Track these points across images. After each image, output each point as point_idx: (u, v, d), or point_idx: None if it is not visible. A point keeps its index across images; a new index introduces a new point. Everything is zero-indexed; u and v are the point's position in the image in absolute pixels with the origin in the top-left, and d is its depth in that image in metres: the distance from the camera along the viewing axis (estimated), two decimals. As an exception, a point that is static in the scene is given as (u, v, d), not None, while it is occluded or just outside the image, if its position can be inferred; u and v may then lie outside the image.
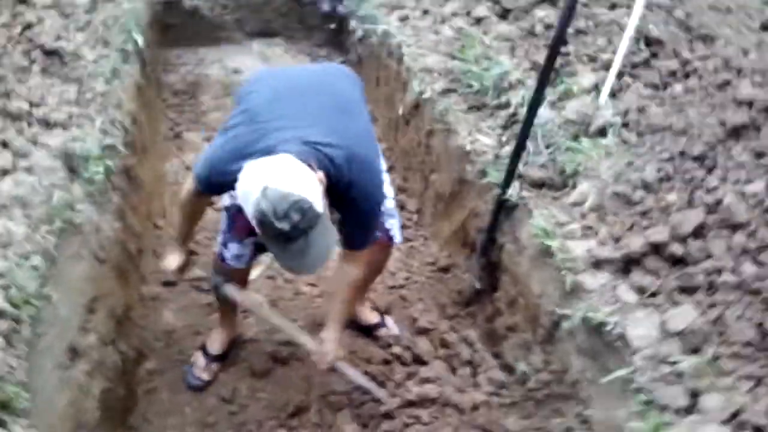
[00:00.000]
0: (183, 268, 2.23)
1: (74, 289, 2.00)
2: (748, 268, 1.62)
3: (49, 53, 2.80)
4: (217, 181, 1.78)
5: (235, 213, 2.10)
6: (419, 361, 2.39)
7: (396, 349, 2.47)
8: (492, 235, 2.43)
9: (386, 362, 2.44)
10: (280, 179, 1.46)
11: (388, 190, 2.17)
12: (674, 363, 1.58)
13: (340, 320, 2.13)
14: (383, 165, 2.10)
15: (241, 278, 2.41)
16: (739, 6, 2.80)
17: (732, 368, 1.52)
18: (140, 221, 2.99)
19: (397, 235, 2.28)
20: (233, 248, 2.20)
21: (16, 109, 2.31)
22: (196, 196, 1.96)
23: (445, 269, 2.93)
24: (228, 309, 2.48)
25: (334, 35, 5.19)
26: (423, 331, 2.55)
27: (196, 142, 4.10)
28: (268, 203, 1.44)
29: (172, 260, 2.18)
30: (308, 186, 1.50)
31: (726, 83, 2.09)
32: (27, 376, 1.58)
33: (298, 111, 1.72)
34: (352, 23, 4.73)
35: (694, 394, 1.52)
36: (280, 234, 1.47)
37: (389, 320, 2.67)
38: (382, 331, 2.62)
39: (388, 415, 2.16)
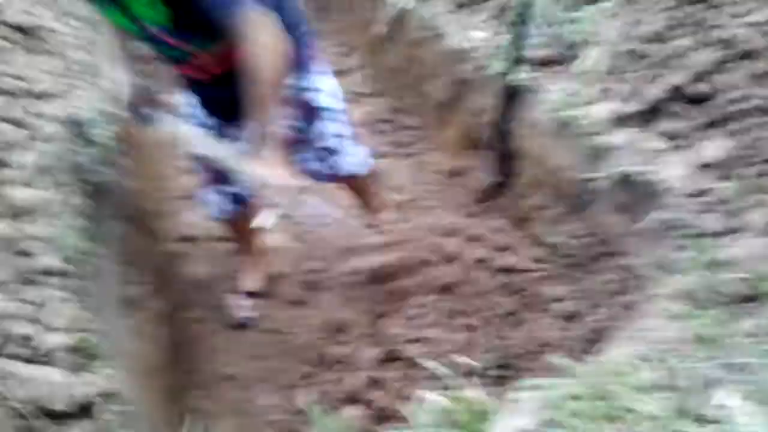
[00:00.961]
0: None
1: (113, 246, 2.01)
2: (771, 90, 1.65)
3: (24, 30, 2.72)
4: None
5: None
6: (451, 259, 2.42)
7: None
8: (504, 125, 2.44)
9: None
10: None
11: (344, 127, 2.11)
12: (712, 192, 1.63)
13: (266, 110, 1.54)
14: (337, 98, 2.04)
15: (248, 233, 2.48)
16: None
17: (770, 185, 1.57)
18: (149, 183, 2.98)
19: (360, 170, 2.27)
20: (203, 196, 2.24)
21: (12, 87, 2.26)
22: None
23: (458, 173, 2.96)
24: (248, 238, 2.52)
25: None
26: (449, 233, 2.58)
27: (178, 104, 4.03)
28: None
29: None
30: None
31: None
32: (95, 324, 1.61)
33: None
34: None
35: (736, 215, 1.57)
36: None
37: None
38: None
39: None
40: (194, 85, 1.94)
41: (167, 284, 2.47)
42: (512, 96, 2.37)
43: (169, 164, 3.38)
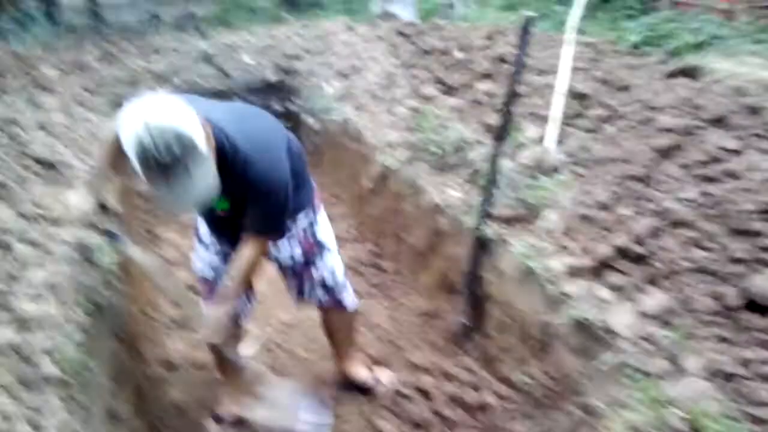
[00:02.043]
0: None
1: (105, 363, 2.13)
2: (698, 254, 1.96)
3: (46, 164, 3.02)
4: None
5: (202, 281, 2.35)
6: (427, 395, 2.56)
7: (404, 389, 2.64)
8: (474, 272, 2.71)
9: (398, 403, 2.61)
10: (161, 114, 1.47)
11: (338, 263, 2.38)
12: (655, 338, 1.87)
13: (230, 292, 2.04)
14: (329, 232, 2.34)
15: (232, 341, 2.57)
16: (642, 63, 3.38)
17: (703, 335, 1.82)
18: (141, 309, 3.13)
19: (351, 303, 2.48)
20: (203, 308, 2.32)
21: (30, 212, 2.50)
22: None
23: (433, 315, 3.17)
24: (228, 368, 2.61)
25: (293, 131, 5.58)
26: (424, 370, 2.74)
27: (171, 239, 4.28)
28: (148, 136, 1.43)
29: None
30: (190, 122, 1.51)
31: (648, 119, 2.55)
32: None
33: (208, 105, 1.80)
34: (308, 119, 5.15)
35: (675, 359, 1.80)
36: (161, 165, 1.46)
37: (383, 374, 2.78)
38: (380, 389, 2.71)
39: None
40: (212, 219, 2.21)
41: (148, 405, 2.52)
42: (482, 247, 2.66)
43: (160, 293, 3.54)
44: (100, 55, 5.17)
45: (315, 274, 2.34)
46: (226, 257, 2.20)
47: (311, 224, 2.26)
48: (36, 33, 5.21)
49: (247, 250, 1.97)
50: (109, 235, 2.24)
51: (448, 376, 2.64)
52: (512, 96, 2.35)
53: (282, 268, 2.38)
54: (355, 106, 4.20)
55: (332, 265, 2.35)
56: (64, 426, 1.62)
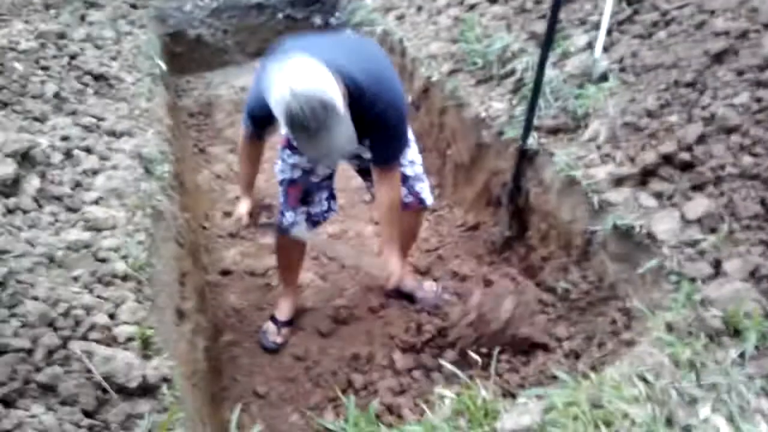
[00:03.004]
0: (251, 214, 2.43)
1: (168, 264, 2.29)
2: (746, 160, 1.94)
3: (98, 77, 3.11)
4: (260, 115, 2.06)
5: (287, 185, 2.44)
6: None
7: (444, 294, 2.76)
8: (517, 184, 2.74)
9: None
10: (305, 80, 1.67)
11: (416, 156, 2.47)
12: (696, 243, 1.89)
13: (392, 241, 2.29)
14: (410, 132, 2.37)
15: (293, 261, 2.75)
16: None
17: (745, 238, 1.83)
18: (197, 221, 3.29)
19: (428, 197, 2.56)
20: (288, 216, 2.51)
21: (87, 123, 2.61)
22: (249, 139, 2.26)
23: (474, 227, 3.24)
24: (293, 269, 2.76)
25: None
26: (465, 278, 2.84)
27: (220, 154, 4.41)
28: (296, 104, 1.65)
29: (242, 207, 2.41)
30: (331, 86, 1.71)
31: (703, 23, 2.44)
32: (156, 324, 1.86)
33: (325, 48, 1.93)
34: (348, 32, 5.07)
35: (717, 264, 1.83)
36: (308, 129, 1.69)
37: (426, 284, 2.92)
38: (419, 294, 2.87)
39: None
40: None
41: (208, 308, 2.72)
42: (525, 159, 2.67)
43: (215, 207, 3.71)
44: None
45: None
46: (308, 218, 2.45)
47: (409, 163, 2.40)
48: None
49: (385, 185, 2.18)
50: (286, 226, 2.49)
51: (489, 283, 2.73)
52: (559, 1, 2.28)
53: (361, 167, 2.50)
54: (396, 16, 4.11)
55: (412, 158, 2.44)
56: (136, 316, 1.78)
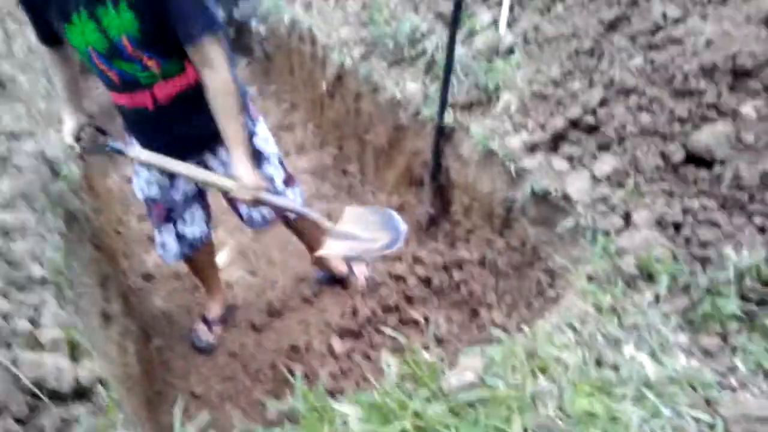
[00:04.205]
0: (79, 138, 2.14)
1: (88, 267, 2.18)
2: (645, 118, 2.09)
3: (-11, 79, 2.90)
4: (30, 7, 1.79)
5: (149, 203, 2.30)
6: (400, 278, 2.73)
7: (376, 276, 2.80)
8: (437, 161, 2.81)
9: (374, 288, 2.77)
10: None
11: (277, 171, 2.27)
12: (607, 199, 2.02)
13: (237, 143, 1.88)
14: (267, 141, 2.22)
15: (204, 267, 2.66)
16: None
17: (649, 190, 1.98)
18: (110, 225, 3.14)
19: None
20: (157, 238, 2.39)
21: (-19, 126, 2.43)
22: (47, 49, 1.97)
23: (399, 208, 3.28)
24: (208, 274, 2.70)
25: (235, 40, 5.41)
26: (395, 258, 2.89)
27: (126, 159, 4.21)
28: None
29: (66, 127, 2.11)
30: None
31: (596, -5, 2.60)
32: (82, 326, 1.77)
33: None
34: (253, 24, 4.99)
35: (627, 216, 1.96)
36: None
37: (357, 267, 2.92)
38: (352, 279, 2.88)
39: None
40: (137, 121, 2.07)
41: (134, 312, 2.61)
42: (443, 136, 2.75)
43: (130, 211, 3.55)
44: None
45: None
46: (168, 173, 2.12)
47: (250, 132, 2.14)
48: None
49: (206, 67, 1.77)
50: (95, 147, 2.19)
51: (419, 261, 2.80)
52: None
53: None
54: (304, 4, 4.09)
55: (271, 174, 2.27)
56: (60, 320, 1.68)
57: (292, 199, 2.35)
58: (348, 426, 1.41)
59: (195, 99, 1.90)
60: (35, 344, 1.58)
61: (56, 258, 1.90)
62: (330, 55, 3.64)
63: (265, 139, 2.27)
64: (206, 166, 2.15)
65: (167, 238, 2.37)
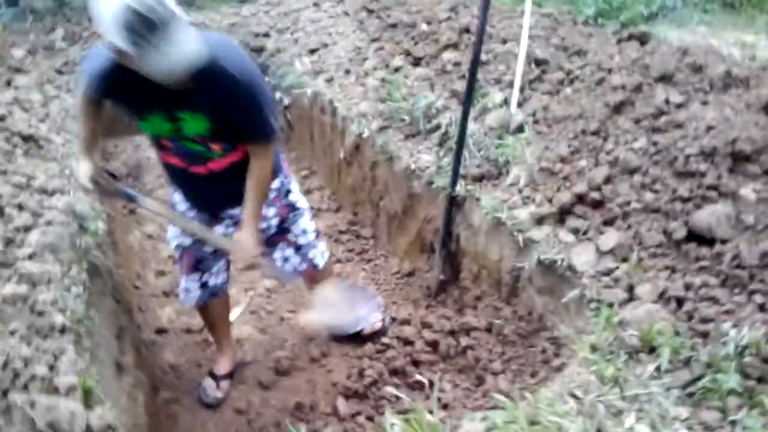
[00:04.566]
0: (95, 175, 2.22)
1: (106, 319, 2.25)
2: (648, 196, 2.19)
3: (26, 138, 3.09)
4: (94, 74, 1.90)
5: (181, 252, 2.44)
6: (408, 342, 2.76)
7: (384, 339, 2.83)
8: (448, 229, 2.90)
9: (382, 351, 2.80)
10: None
11: (308, 224, 2.49)
12: (611, 272, 2.09)
13: (252, 217, 2.15)
14: (301, 196, 2.44)
15: (217, 320, 2.73)
16: (597, 32, 3.60)
17: (652, 264, 2.05)
18: (125, 281, 3.23)
19: (320, 262, 2.58)
20: (182, 283, 2.52)
21: (17, 181, 2.58)
22: (85, 102, 2.08)
23: (409, 274, 3.36)
24: (220, 327, 2.76)
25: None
26: (404, 322, 2.93)
27: (150, 215, 4.35)
28: (131, 1, 1.56)
29: (82, 169, 2.21)
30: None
31: (602, 79, 2.76)
32: (97, 375, 1.83)
33: None
34: (278, 95, 5.24)
35: (630, 289, 2.02)
36: (146, 27, 1.57)
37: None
38: (366, 331, 2.90)
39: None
40: (187, 179, 2.23)
41: (146, 365, 2.66)
42: (454, 205, 2.85)
43: (148, 266, 3.66)
44: (65, 36, 5.17)
45: (290, 237, 2.48)
46: (202, 224, 2.27)
47: (286, 190, 2.38)
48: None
49: (259, 159, 2.07)
50: (121, 191, 2.32)
51: (427, 325, 2.84)
52: (475, 62, 2.52)
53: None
54: (326, 79, 4.32)
55: (305, 227, 2.48)
56: (76, 367, 1.75)
57: (322, 250, 2.58)
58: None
59: (242, 167, 2.11)
60: (51, 389, 1.64)
61: (78, 308, 1.98)
62: (349, 126, 3.82)
63: (298, 195, 2.46)
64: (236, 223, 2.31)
65: (192, 285, 2.49)
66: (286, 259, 2.53)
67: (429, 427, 1.56)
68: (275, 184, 2.31)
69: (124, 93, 1.92)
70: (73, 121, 3.73)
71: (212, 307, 2.63)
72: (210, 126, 1.95)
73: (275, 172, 2.27)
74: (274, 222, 2.41)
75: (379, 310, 2.34)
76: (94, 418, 1.58)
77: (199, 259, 2.44)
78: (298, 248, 2.52)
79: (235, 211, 2.28)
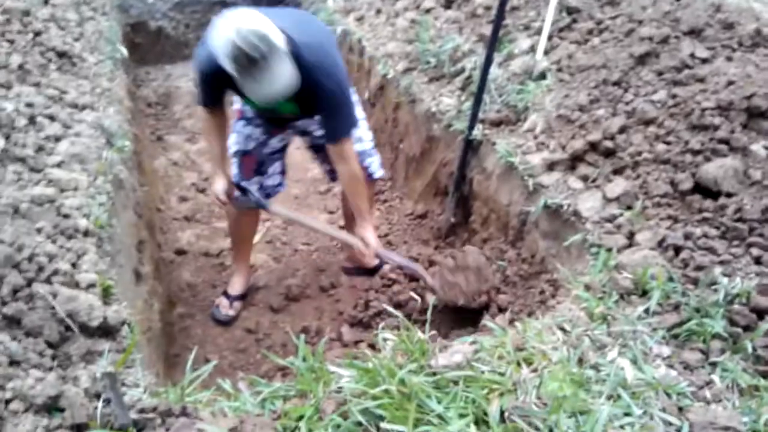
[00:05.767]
0: (229, 190, 2.51)
1: (127, 230, 2.38)
2: (660, 147, 2.19)
3: (61, 55, 3.18)
4: (209, 72, 2.14)
5: (241, 156, 2.58)
6: (414, 279, 2.85)
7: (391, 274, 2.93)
8: (462, 172, 2.94)
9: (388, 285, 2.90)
10: (247, 20, 1.86)
11: (365, 133, 2.64)
12: (614, 218, 2.12)
13: (363, 214, 2.48)
14: (360, 111, 2.55)
15: (247, 233, 2.88)
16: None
17: (655, 213, 2.07)
18: (148, 201, 3.37)
19: (377, 171, 2.74)
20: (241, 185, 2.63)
21: (50, 93, 2.69)
22: (207, 113, 2.36)
23: (422, 216, 3.43)
24: (244, 241, 2.89)
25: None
26: (412, 260, 3.01)
27: (177, 143, 4.49)
28: (239, 37, 1.83)
29: (218, 184, 2.48)
30: (271, 28, 1.90)
31: (631, 30, 2.72)
32: (117, 277, 1.96)
33: (271, 13, 2.06)
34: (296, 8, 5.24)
35: (631, 235, 2.06)
36: (250, 60, 1.84)
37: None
38: (385, 269, 3.06)
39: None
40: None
41: (163, 279, 2.81)
42: (470, 149, 2.89)
43: (172, 191, 3.80)
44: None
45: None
46: (267, 132, 2.53)
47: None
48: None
49: (342, 161, 2.33)
50: (247, 196, 2.58)
51: (433, 264, 2.92)
52: (502, 7, 2.51)
53: (313, 144, 2.66)
54: (356, 18, 4.31)
55: (360, 135, 2.60)
56: (97, 267, 1.87)
57: (378, 162, 2.79)
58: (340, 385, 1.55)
59: None
60: (73, 284, 1.77)
61: (101, 215, 2.10)
62: (375, 67, 3.83)
63: (356, 106, 2.52)
64: (305, 131, 2.62)
65: (252, 187, 2.63)
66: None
67: (419, 344, 1.65)
68: None
69: (230, 83, 2.08)
70: (106, 43, 3.82)
71: (248, 217, 2.77)
72: (299, 111, 2.30)
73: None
74: None
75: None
76: (110, 312, 1.71)
77: (259, 161, 2.59)
78: (366, 155, 2.66)
79: (299, 122, 2.50)
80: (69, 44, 3.36)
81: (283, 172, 2.74)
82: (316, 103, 2.17)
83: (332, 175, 2.73)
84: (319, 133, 2.48)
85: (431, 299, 2.44)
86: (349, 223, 2.99)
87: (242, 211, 2.68)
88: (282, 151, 2.66)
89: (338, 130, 2.28)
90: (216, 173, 2.51)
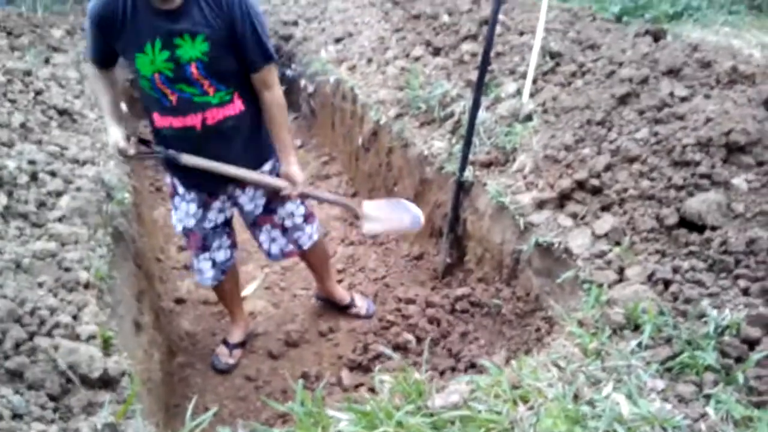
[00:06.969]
0: (129, 140, 2.29)
1: (127, 280, 2.42)
2: (645, 183, 2.26)
3: (62, 112, 3.28)
4: (100, 22, 2.03)
5: (187, 234, 2.57)
6: (409, 317, 2.88)
7: (389, 317, 2.95)
8: (456, 213, 3.00)
9: (386, 327, 2.92)
10: None
11: (295, 207, 2.60)
12: (604, 254, 2.17)
13: (288, 148, 2.35)
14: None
15: (229, 294, 2.88)
16: (615, 28, 3.65)
17: (643, 248, 2.12)
18: (147, 251, 3.41)
19: (305, 243, 2.72)
20: (195, 264, 2.66)
21: (52, 150, 2.77)
22: (96, 69, 2.25)
23: (418, 257, 3.47)
24: (233, 300, 2.91)
25: (286, 95, 5.82)
26: (409, 301, 3.05)
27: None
28: None
29: (114, 136, 2.27)
30: None
31: (612, 72, 2.83)
32: (117, 329, 1.99)
33: None
34: (302, 82, 5.39)
35: (621, 271, 2.10)
36: None
37: (358, 300, 3.15)
38: (353, 311, 3.11)
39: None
40: (182, 141, 2.25)
41: (163, 329, 2.83)
42: (462, 190, 2.95)
43: (171, 241, 3.84)
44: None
45: (276, 219, 2.61)
46: (202, 205, 2.46)
47: (277, 173, 2.45)
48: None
49: (265, 90, 2.23)
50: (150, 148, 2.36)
51: (431, 305, 2.95)
52: (487, 54, 2.61)
53: (246, 220, 2.64)
54: (348, 67, 4.44)
55: (292, 210, 2.60)
56: (97, 319, 1.91)
57: (309, 233, 2.73)
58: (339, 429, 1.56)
59: (236, 127, 2.25)
60: (74, 336, 1.80)
61: (101, 267, 2.14)
62: (368, 113, 3.94)
63: (291, 215, 2.60)
64: (236, 202, 2.51)
65: (204, 264, 2.63)
66: (273, 240, 2.68)
67: (415, 385, 1.67)
68: (267, 166, 2.44)
69: (123, 26, 2.01)
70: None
71: (224, 282, 2.76)
72: (209, 50, 2.04)
73: (268, 155, 2.42)
74: (261, 203, 2.53)
75: (420, 221, 2.73)
76: (110, 363, 1.74)
77: (203, 236, 2.56)
78: (284, 230, 2.65)
79: (231, 189, 2.44)
80: (69, 102, 3.48)
81: (232, 246, 2.69)
82: (230, 25, 2.04)
83: (267, 252, 2.71)
84: (250, 207, 2.50)
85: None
86: (320, 281, 3.10)
87: (216, 282, 2.70)
88: (226, 224, 2.61)
89: (258, 57, 2.14)
90: (109, 126, 2.31)
